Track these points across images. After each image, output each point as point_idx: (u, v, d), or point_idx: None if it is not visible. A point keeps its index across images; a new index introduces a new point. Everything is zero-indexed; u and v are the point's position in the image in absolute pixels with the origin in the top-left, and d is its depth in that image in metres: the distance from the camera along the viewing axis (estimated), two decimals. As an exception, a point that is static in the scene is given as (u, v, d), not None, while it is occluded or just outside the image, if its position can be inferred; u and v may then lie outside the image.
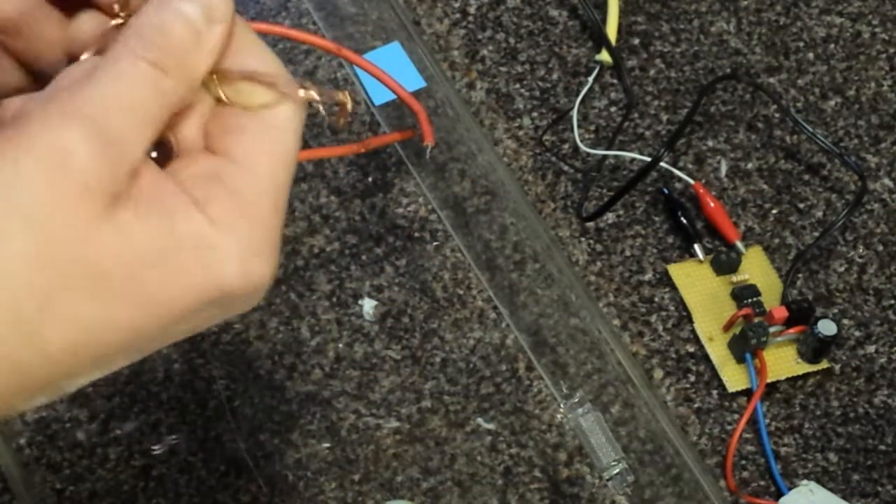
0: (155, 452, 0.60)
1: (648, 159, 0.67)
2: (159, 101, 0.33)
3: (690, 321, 0.66)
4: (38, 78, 0.38)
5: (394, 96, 0.53)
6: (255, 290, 0.34)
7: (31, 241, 0.30)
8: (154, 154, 0.34)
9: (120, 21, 0.36)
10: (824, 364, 0.66)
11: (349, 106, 0.39)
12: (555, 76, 0.73)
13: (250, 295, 0.34)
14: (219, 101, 0.35)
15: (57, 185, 0.31)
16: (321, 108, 0.37)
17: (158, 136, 0.34)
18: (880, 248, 0.70)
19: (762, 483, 0.63)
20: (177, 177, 0.34)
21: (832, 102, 0.74)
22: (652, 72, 0.74)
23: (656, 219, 0.69)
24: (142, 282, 0.32)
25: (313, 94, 0.36)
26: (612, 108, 0.73)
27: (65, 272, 0.31)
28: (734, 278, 0.67)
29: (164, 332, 0.33)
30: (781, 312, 0.64)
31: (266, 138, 0.35)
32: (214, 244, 0.33)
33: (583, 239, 0.68)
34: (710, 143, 0.72)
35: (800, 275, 0.68)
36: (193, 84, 0.34)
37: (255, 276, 0.33)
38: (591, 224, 0.69)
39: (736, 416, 0.64)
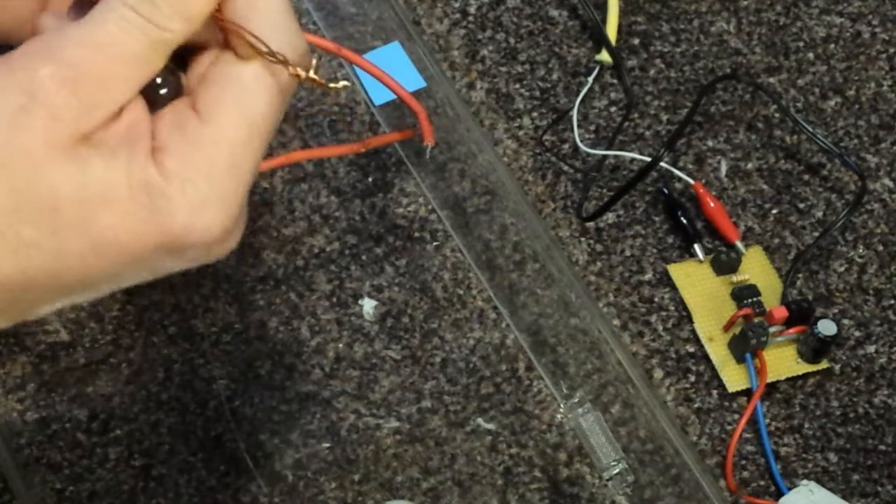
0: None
1: (648, 159, 0.67)
2: (147, 45, 0.33)
3: (690, 321, 0.66)
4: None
5: (394, 96, 0.53)
6: (204, 241, 0.34)
7: None
8: (164, 90, 0.35)
9: None
10: (824, 364, 0.66)
11: (340, 86, 0.38)
12: (555, 76, 0.73)
13: (201, 246, 0.35)
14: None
15: (23, 115, 0.32)
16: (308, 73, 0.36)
17: (167, 72, 0.34)
18: (880, 248, 0.70)
19: (762, 483, 0.63)
20: (160, 115, 0.35)
21: (832, 102, 0.74)
22: (652, 72, 0.74)
23: (656, 219, 0.69)
24: (92, 220, 0.33)
25: (301, 73, 0.36)
26: (612, 108, 0.73)
27: (19, 197, 0.32)
28: (734, 278, 0.67)
29: (115, 272, 0.34)
30: (781, 312, 0.64)
31: (231, 94, 0.34)
32: (165, 193, 0.33)
33: (583, 239, 0.68)
34: (710, 143, 0.72)
35: (800, 275, 0.68)
36: (189, 27, 0.34)
37: (201, 227, 0.34)
38: (591, 224, 0.69)
39: (736, 416, 0.64)
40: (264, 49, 0.34)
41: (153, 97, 0.35)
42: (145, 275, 0.35)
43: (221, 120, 0.34)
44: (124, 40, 0.33)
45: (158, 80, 0.35)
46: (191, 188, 0.34)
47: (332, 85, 0.38)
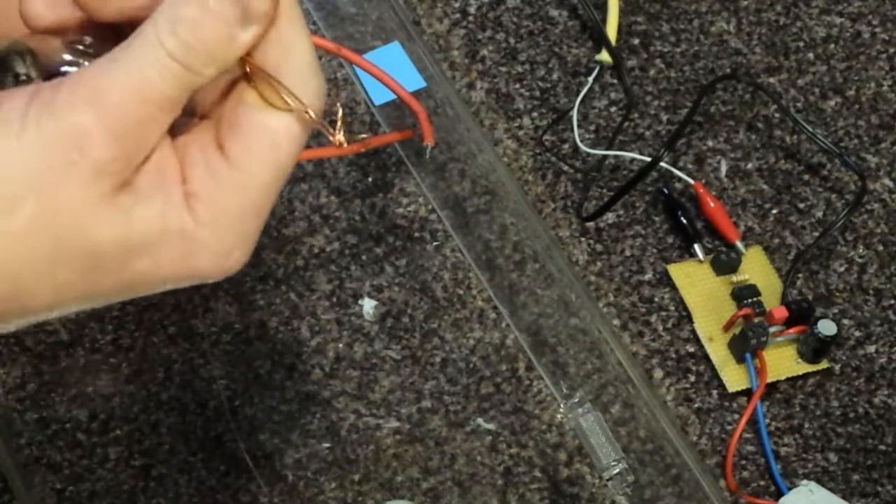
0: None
1: (648, 159, 0.67)
2: (181, 89, 0.34)
3: (690, 321, 0.66)
4: None
5: (394, 96, 0.53)
6: (223, 275, 0.36)
7: (39, 210, 0.33)
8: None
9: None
10: (824, 364, 0.66)
11: (337, 139, 0.40)
12: (555, 76, 0.73)
13: (216, 277, 0.36)
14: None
15: (71, 168, 0.33)
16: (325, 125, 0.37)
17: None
18: (880, 248, 0.70)
19: (762, 483, 0.63)
20: (185, 151, 0.35)
21: (832, 102, 0.74)
22: (652, 72, 0.74)
23: (656, 219, 0.69)
24: (128, 264, 0.34)
25: (334, 136, 0.38)
26: (612, 108, 0.73)
27: (63, 246, 0.33)
28: (734, 278, 0.67)
29: (133, 296, 0.36)
30: (781, 312, 0.64)
31: (261, 143, 0.35)
32: (197, 238, 0.35)
33: (583, 239, 0.68)
34: (710, 143, 0.72)
35: (800, 275, 0.68)
36: (219, 71, 0.34)
37: (226, 268, 0.36)
38: (591, 224, 0.69)
39: (736, 416, 0.64)
40: (295, 105, 0.35)
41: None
42: (147, 294, 0.37)
43: (252, 168, 0.35)
44: (163, 87, 0.33)
45: None
46: (222, 234, 0.35)
47: (343, 144, 0.40)
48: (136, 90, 0.33)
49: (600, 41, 0.74)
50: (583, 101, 0.72)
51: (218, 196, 0.35)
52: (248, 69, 0.35)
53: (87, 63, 0.36)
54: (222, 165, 0.35)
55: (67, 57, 0.37)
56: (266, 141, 0.35)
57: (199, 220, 0.34)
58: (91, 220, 0.33)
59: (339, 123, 0.38)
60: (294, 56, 0.35)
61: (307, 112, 0.35)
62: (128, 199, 0.34)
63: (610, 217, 0.69)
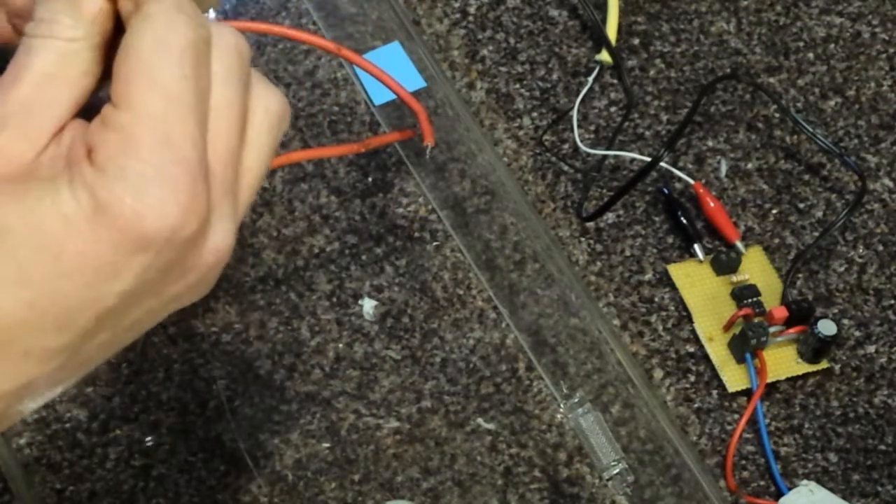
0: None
1: (648, 159, 0.67)
2: (56, 61, 0.33)
3: (690, 321, 0.66)
4: None
5: (394, 96, 0.53)
6: (164, 226, 0.33)
7: None
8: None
9: None
10: (824, 364, 0.66)
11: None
12: (555, 76, 0.73)
13: (167, 235, 0.33)
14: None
15: None
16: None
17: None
18: (880, 248, 0.70)
19: (762, 483, 0.63)
20: (90, 126, 0.34)
21: (832, 102, 0.74)
22: (652, 72, 0.74)
23: (656, 219, 0.69)
24: (45, 235, 0.32)
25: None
26: (612, 108, 0.73)
27: None
28: (734, 278, 0.67)
29: (95, 289, 0.33)
30: (781, 312, 0.64)
31: (130, 69, 0.33)
32: (104, 185, 0.32)
33: (583, 239, 0.68)
34: (710, 143, 0.72)
35: (800, 275, 0.68)
36: (94, 28, 0.34)
37: (151, 208, 0.33)
38: (591, 224, 0.69)
39: (736, 416, 0.64)
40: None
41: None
42: (131, 290, 0.34)
43: (132, 99, 0.33)
44: (33, 63, 0.33)
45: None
46: (126, 171, 0.32)
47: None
48: (11, 78, 0.33)
49: (600, 41, 0.74)
50: (583, 101, 0.72)
51: (111, 138, 0.33)
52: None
53: None
54: (110, 110, 0.34)
55: None
56: (132, 64, 0.33)
57: (99, 166, 0.33)
58: None
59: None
60: None
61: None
62: (27, 184, 0.33)
63: (610, 217, 0.69)
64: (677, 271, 0.68)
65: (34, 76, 0.33)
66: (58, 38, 0.33)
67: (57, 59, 0.33)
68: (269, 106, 0.36)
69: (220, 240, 0.35)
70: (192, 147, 0.33)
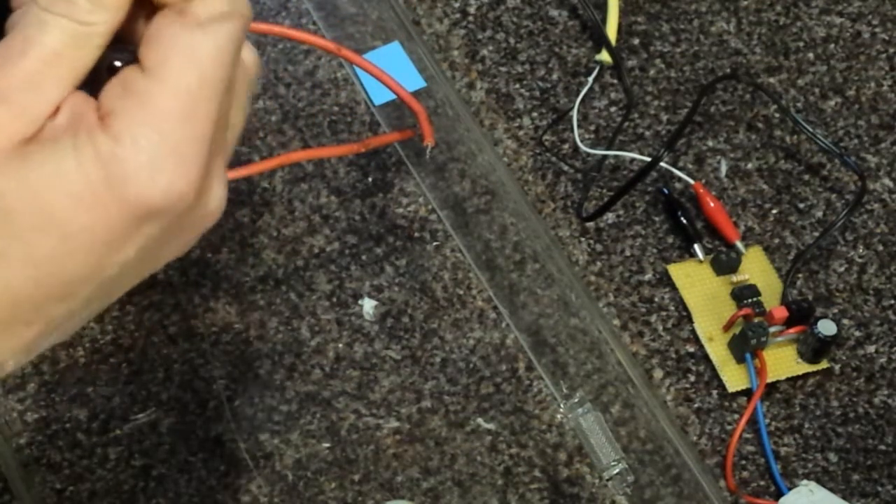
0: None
1: (648, 159, 0.67)
2: (68, 42, 0.33)
3: (690, 321, 0.66)
4: None
5: (394, 96, 0.53)
6: (172, 199, 0.33)
7: None
8: (118, 63, 0.34)
9: None
10: (824, 364, 0.66)
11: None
12: (555, 76, 0.73)
13: (172, 207, 0.33)
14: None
15: None
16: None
17: (124, 54, 0.34)
18: (880, 248, 0.70)
19: (762, 483, 0.63)
20: (105, 90, 0.34)
21: (832, 102, 0.74)
22: (652, 72, 0.74)
23: (656, 219, 0.69)
24: (50, 214, 0.32)
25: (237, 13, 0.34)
26: (612, 108, 0.73)
27: None
28: (734, 278, 0.67)
29: (99, 264, 0.33)
30: (781, 312, 0.64)
31: (175, 45, 0.33)
32: (117, 154, 0.32)
33: (583, 239, 0.68)
34: (710, 143, 0.72)
35: (800, 275, 0.68)
36: (114, 16, 0.33)
37: (163, 183, 0.33)
38: (591, 224, 0.69)
39: (736, 416, 0.64)
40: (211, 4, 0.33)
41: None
42: (135, 261, 0.34)
43: (166, 71, 0.33)
44: (43, 41, 0.33)
45: (118, 63, 0.34)
46: (143, 141, 0.32)
47: None
48: (16, 51, 0.32)
49: (600, 41, 0.74)
50: (583, 101, 0.72)
51: (131, 104, 0.33)
52: None
53: None
54: (138, 76, 0.33)
55: None
56: (178, 41, 0.33)
57: (114, 133, 0.32)
58: None
59: None
60: None
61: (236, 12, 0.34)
62: (26, 150, 0.32)
63: (610, 217, 0.69)
64: (677, 271, 0.68)
65: (43, 53, 0.33)
66: (73, 20, 0.33)
67: (69, 41, 0.33)
68: (244, 58, 0.36)
69: (215, 203, 0.35)
70: (211, 127, 0.33)
